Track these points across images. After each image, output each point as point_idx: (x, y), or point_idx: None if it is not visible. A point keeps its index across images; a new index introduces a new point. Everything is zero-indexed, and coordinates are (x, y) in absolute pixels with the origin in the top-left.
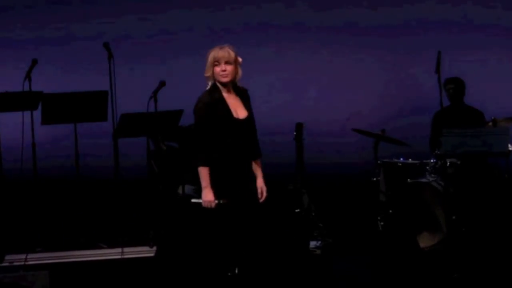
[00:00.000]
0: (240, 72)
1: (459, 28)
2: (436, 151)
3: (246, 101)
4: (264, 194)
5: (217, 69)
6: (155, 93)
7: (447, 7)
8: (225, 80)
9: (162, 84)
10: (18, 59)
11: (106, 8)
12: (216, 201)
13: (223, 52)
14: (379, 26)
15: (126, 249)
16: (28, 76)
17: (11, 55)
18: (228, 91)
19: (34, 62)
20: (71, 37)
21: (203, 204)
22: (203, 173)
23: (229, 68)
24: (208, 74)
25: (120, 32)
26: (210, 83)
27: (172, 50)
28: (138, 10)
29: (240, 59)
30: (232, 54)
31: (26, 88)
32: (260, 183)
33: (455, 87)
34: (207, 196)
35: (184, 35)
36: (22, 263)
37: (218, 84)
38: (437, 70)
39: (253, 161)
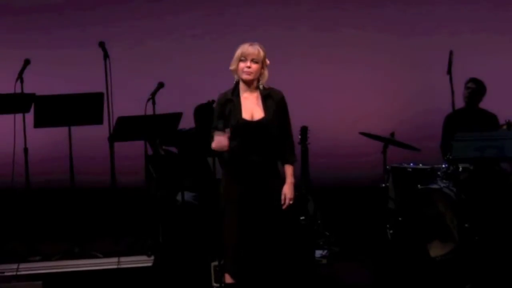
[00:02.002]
0: (266, 74)
1: (472, 27)
2: (447, 156)
3: (270, 104)
4: (287, 202)
5: (242, 64)
6: (153, 95)
7: (459, 4)
8: (246, 77)
9: (160, 85)
10: (10, 59)
11: (102, 6)
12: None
13: (252, 49)
14: (386, 25)
15: (122, 259)
16: (20, 77)
17: (2, 55)
18: (251, 91)
19: (27, 62)
20: (65, 36)
21: (217, 144)
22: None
23: (254, 66)
24: (232, 67)
25: (116, 31)
26: (235, 80)
27: (171, 50)
28: (136, 8)
29: (268, 61)
30: (261, 53)
31: (18, 90)
32: (285, 189)
33: (476, 88)
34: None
35: (184, 35)
36: (14, 273)
37: (241, 82)
38: (449, 71)
39: (284, 166)
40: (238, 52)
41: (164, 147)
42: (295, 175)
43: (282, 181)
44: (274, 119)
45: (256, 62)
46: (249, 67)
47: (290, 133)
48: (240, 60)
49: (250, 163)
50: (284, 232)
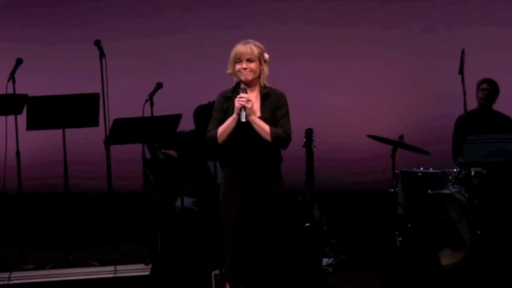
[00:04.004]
0: (266, 70)
1: (485, 24)
2: (459, 160)
3: (268, 104)
4: (247, 103)
5: (238, 66)
6: (151, 95)
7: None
8: (246, 78)
9: (159, 86)
10: (1, 58)
11: (98, 3)
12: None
13: (245, 48)
14: (395, 23)
15: (119, 267)
16: (12, 77)
17: None
18: (251, 90)
19: (19, 61)
20: (59, 34)
21: (241, 101)
22: (221, 131)
23: (251, 66)
24: (229, 71)
25: (113, 29)
26: (235, 80)
27: (170, 49)
28: (134, 5)
29: (266, 56)
30: (256, 50)
31: (10, 91)
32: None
33: (491, 89)
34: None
35: (184, 33)
36: (6, 282)
37: (241, 83)
38: (461, 71)
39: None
40: (232, 53)
41: (163, 150)
42: (285, 176)
43: (284, 187)
44: (270, 119)
45: (252, 61)
46: (245, 68)
47: (287, 127)
48: (236, 62)
49: (248, 165)
50: (285, 240)
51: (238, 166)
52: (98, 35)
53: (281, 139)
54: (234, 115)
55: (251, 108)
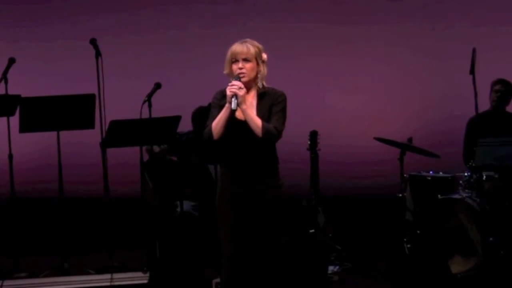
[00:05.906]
0: (264, 70)
1: (497, 23)
2: (470, 163)
3: (265, 103)
4: (238, 91)
5: (235, 66)
6: (149, 96)
7: None
8: (242, 79)
9: (157, 86)
10: None
11: (94, 1)
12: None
13: (241, 48)
14: (404, 19)
15: (116, 275)
16: (4, 77)
17: None
18: (248, 90)
19: (11, 61)
20: (53, 33)
21: (232, 89)
22: (215, 123)
23: (248, 66)
24: (226, 71)
25: (110, 27)
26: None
27: (169, 48)
28: (132, 2)
29: (264, 56)
30: (252, 50)
31: (2, 91)
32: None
33: (505, 90)
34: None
35: (183, 32)
36: None
37: None
38: (472, 71)
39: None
40: (229, 53)
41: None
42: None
43: (282, 190)
44: (267, 119)
45: (249, 61)
46: (241, 68)
47: (279, 123)
48: (232, 62)
49: (244, 166)
50: (285, 248)
51: (235, 167)
52: (94, 33)
53: (271, 134)
54: (227, 104)
55: (243, 96)
